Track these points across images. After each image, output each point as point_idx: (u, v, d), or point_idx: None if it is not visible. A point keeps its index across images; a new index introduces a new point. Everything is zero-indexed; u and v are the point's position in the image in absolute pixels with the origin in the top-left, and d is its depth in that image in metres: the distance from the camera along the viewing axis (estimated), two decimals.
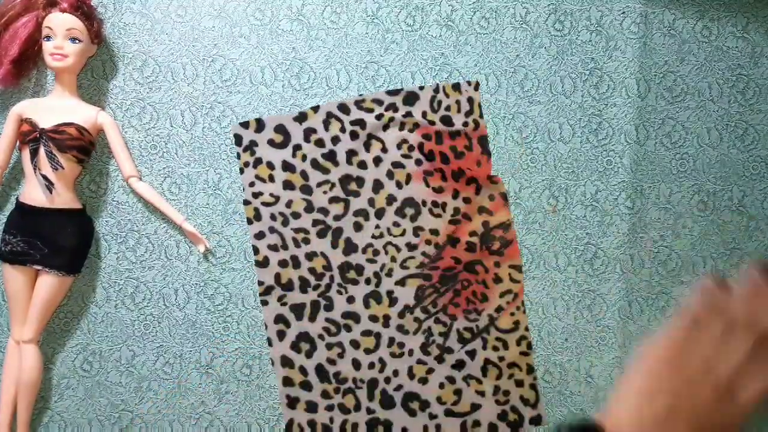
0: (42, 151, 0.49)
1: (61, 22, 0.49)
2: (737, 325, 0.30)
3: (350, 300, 0.51)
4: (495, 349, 0.52)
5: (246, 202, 0.51)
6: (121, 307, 0.53)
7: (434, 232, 0.51)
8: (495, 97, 0.55)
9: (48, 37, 0.49)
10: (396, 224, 0.51)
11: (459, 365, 0.52)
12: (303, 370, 0.51)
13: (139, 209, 0.53)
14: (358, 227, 0.51)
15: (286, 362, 0.49)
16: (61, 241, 0.50)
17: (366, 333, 0.51)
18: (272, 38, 0.54)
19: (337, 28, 0.55)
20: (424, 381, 0.51)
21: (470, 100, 0.52)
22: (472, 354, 0.52)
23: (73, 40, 0.50)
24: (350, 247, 0.51)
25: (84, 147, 0.50)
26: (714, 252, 0.55)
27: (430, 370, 0.51)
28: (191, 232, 0.52)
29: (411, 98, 0.52)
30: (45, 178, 0.49)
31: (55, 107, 0.51)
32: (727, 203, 0.55)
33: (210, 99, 0.54)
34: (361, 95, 0.51)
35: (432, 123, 0.52)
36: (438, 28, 0.55)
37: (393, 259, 0.52)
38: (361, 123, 0.52)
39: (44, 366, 0.51)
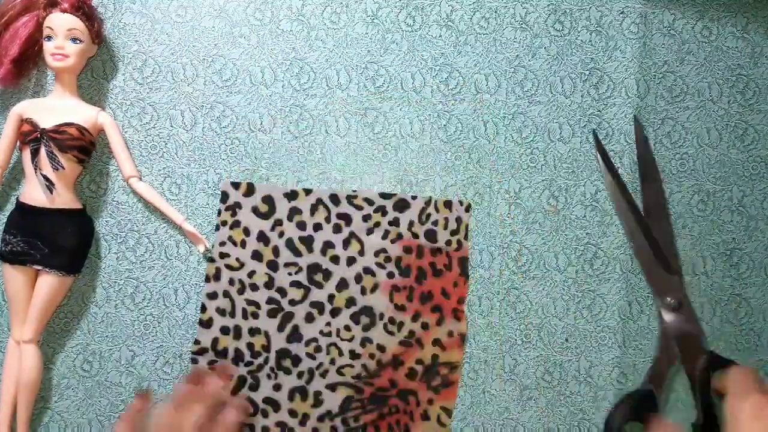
0: (43, 151, 0.49)
1: (61, 23, 0.49)
2: None
3: (277, 387, 0.50)
4: None
5: (210, 260, 0.50)
6: (121, 307, 0.53)
7: (381, 348, 0.50)
8: (495, 97, 0.55)
9: (49, 37, 0.49)
10: (347, 328, 0.51)
11: None
12: None
13: (139, 209, 0.53)
14: (309, 318, 0.50)
15: None
16: (61, 241, 0.50)
17: (280, 424, 0.50)
18: (272, 38, 0.54)
19: (337, 29, 0.55)
20: None
21: (458, 219, 0.52)
22: None
23: (74, 40, 0.50)
24: (295, 336, 0.50)
25: (84, 147, 0.50)
26: (714, 252, 0.55)
27: None
28: (191, 232, 0.52)
29: (402, 205, 0.51)
30: (45, 178, 0.49)
31: (55, 107, 0.51)
32: (727, 203, 0.55)
33: (210, 99, 0.54)
34: (354, 191, 0.51)
35: (416, 236, 0.51)
36: (438, 28, 0.55)
37: (332, 362, 0.50)
38: (347, 218, 0.51)
39: (44, 366, 0.51)
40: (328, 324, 0.51)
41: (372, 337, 0.51)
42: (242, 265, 0.51)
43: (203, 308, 0.51)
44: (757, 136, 0.56)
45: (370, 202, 0.52)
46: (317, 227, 0.52)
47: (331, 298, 0.51)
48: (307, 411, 0.50)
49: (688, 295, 0.53)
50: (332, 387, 0.50)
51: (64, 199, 0.50)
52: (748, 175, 0.56)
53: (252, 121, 0.54)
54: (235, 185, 0.52)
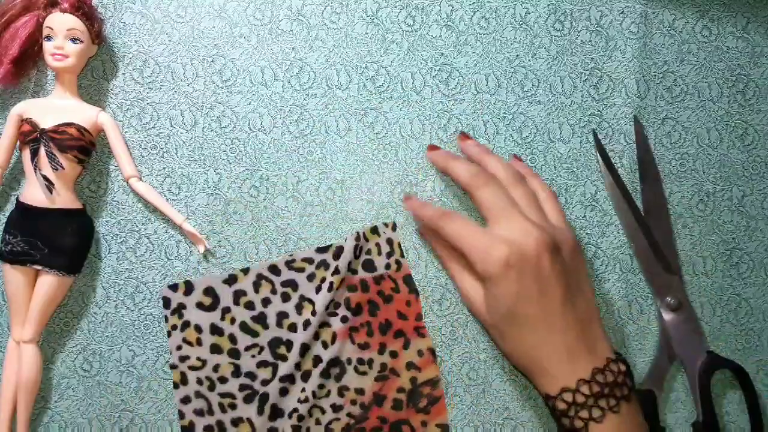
0: (42, 151, 0.49)
1: (61, 23, 0.49)
2: None
3: None
4: None
5: (173, 366, 0.50)
6: (121, 307, 0.53)
7: (359, 391, 0.50)
8: (495, 98, 0.55)
9: (48, 37, 0.49)
10: (321, 386, 0.50)
11: None
12: None
13: (139, 209, 0.53)
14: (284, 392, 0.50)
15: None
16: (61, 241, 0.50)
17: None
18: (272, 38, 0.54)
19: (337, 29, 0.55)
20: None
21: (389, 241, 0.51)
22: None
23: (74, 40, 0.50)
24: (276, 413, 0.50)
25: (84, 147, 0.50)
26: (714, 252, 0.55)
27: None
28: (191, 233, 0.52)
29: (338, 252, 0.51)
30: (45, 178, 0.49)
31: (55, 107, 0.51)
32: (727, 203, 0.55)
33: (210, 99, 0.54)
34: (290, 255, 0.50)
35: (355, 272, 0.51)
36: (438, 28, 0.55)
37: (318, 422, 0.50)
38: (292, 284, 0.51)
39: (44, 366, 0.51)
40: (303, 390, 0.50)
41: (347, 384, 0.51)
42: (204, 362, 0.51)
43: (181, 415, 0.50)
44: (757, 136, 0.56)
45: (309, 261, 0.51)
46: (266, 302, 0.51)
47: (298, 365, 0.50)
48: None
49: (688, 295, 0.53)
50: None
51: (64, 199, 0.50)
52: (748, 175, 0.56)
53: (252, 121, 0.54)
54: (173, 287, 0.52)
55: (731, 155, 0.56)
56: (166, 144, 0.54)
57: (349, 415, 0.50)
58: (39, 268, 0.50)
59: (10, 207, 0.52)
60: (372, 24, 0.55)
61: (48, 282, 0.50)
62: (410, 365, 0.51)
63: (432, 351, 0.51)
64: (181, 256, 0.53)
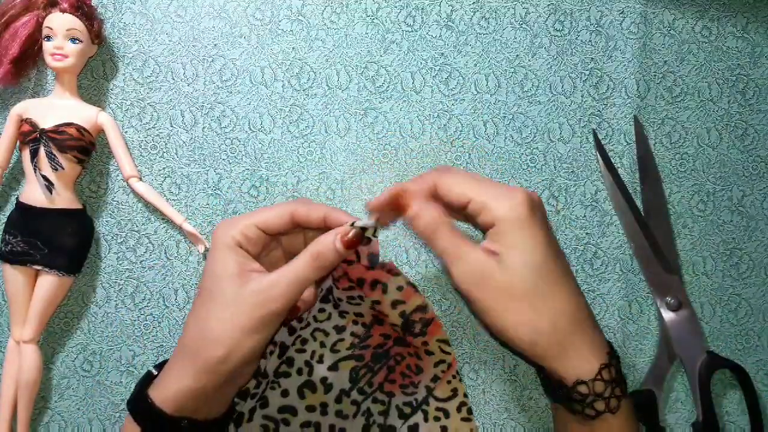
0: (42, 151, 0.49)
1: (61, 23, 0.49)
2: None
3: (284, 393, 0.49)
4: (436, 419, 0.50)
5: None
6: (122, 307, 0.53)
7: (359, 314, 0.50)
8: (495, 98, 0.55)
9: (48, 37, 0.49)
10: (321, 310, 0.50)
11: None
12: None
13: (139, 209, 0.53)
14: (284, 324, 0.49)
15: None
16: (61, 242, 0.50)
17: (305, 424, 0.49)
18: (272, 38, 0.54)
19: (337, 29, 0.55)
20: None
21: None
22: (414, 428, 0.50)
23: (74, 40, 0.50)
24: (281, 348, 0.49)
25: (84, 147, 0.50)
26: (714, 252, 0.55)
27: None
28: (191, 233, 0.52)
29: None
30: (45, 178, 0.49)
31: (55, 107, 0.51)
32: (727, 203, 0.55)
33: (210, 99, 0.54)
34: None
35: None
36: (438, 28, 0.55)
37: (322, 345, 0.50)
38: None
39: (44, 366, 0.51)
40: (302, 318, 0.50)
41: (345, 309, 0.50)
42: None
43: None
44: (757, 136, 0.56)
45: None
46: None
47: None
48: (323, 399, 0.49)
49: (688, 295, 0.53)
50: (334, 367, 0.50)
51: (63, 199, 0.50)
52: (748, 175, 0.56)
53: (252, 121, 0.54)
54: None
55: (731, 155, 0.56)
56: (166, 144, 0.54)
57: (352, 334, 0.50)
58: (39, 268, 0.50)
59: (10, 207, 0.52)
60: (372, 24, 0.55)
61: (48, 282, 0.50)
62: (396, 303, 0.48)
63: (410, 283, 0.48)
64: (181, 256, 0.53)
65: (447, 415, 0.50)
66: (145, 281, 0.53)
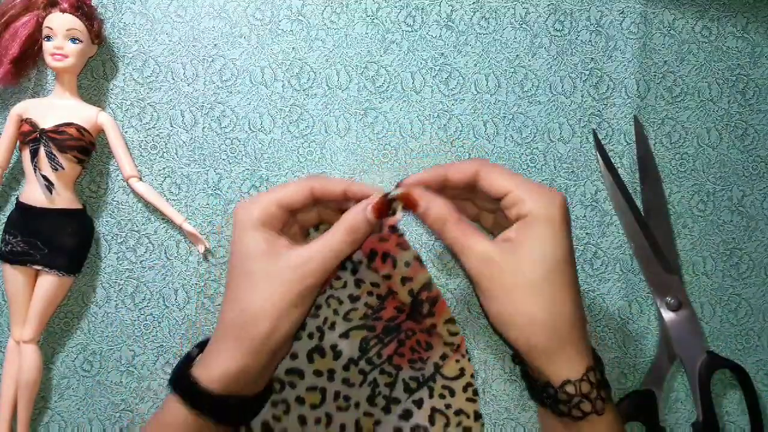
0: (42, 151, 0.49)
1: (61, 23, 0.49)
2: None
3: (293, 356, 0.49)
4: (441, 396, 0.50)
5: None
6: (122, 307, 0.53)
7: (375, 284, 0.50)
8: (495, 98, 0.55)
9: (48, 37, 0.49)
10: (337, 277, 0.50)
11: (406, 415, 0.50)
12: (248, 429, 0.49)
13: (139, 209, 0.53)
14: None
15: None
16: (61, 242, 0.50)
17: (311, 389, 0.49)
18: (272, 38, 0.54)
19: (337, 29, 0.55)
20: None
21: None
22: (419, 403, 0.50)
23: (74, 40, 0.50)
24: None
25: (84, 147, 0.50)
26: (714, 252, 0.55)
27: (377, 422, 0.50)
28: (191, 233, 0.52)
29: None
30: (45, 178, 0.49)
31: (55, 107, 0.51)
32: (727, 203, 0.55)
33: (210, 99, 0.54)
34: None
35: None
36: (438, 28, 0.55)
37: (335, 312, 0.50)
38: None
39: (44, 366, 0.51)
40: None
41: (362, 277, 0.50)
42: None
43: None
44: (757, 136, 0.56)
45: None
46: None
47: None
48: (331, 366, 0.50)
49: (688, 295, 0.53)
50: (345, 335, 0.50)
51: (63, 199, 0.50)
52: (748, 175, 0.56)
53: (252, 121, 0.54)
54: None
55: (731, 155, 0.56)
56: (166, 144, 0.54)
57: (366, 305, 0.50)
58: (39, 268, 0.50)
59: (10, 207, 0.52)
60: (372, 24, 0.55)
61: (48, 282, 0.50)
62: (404, 279, 0.50)
63: (417, 257, 0.50)
64: (181, 256, 0.53)
65: (452, 393, 0.51)
66: (145, 281, 0.53)
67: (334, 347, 0.50)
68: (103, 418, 0.52)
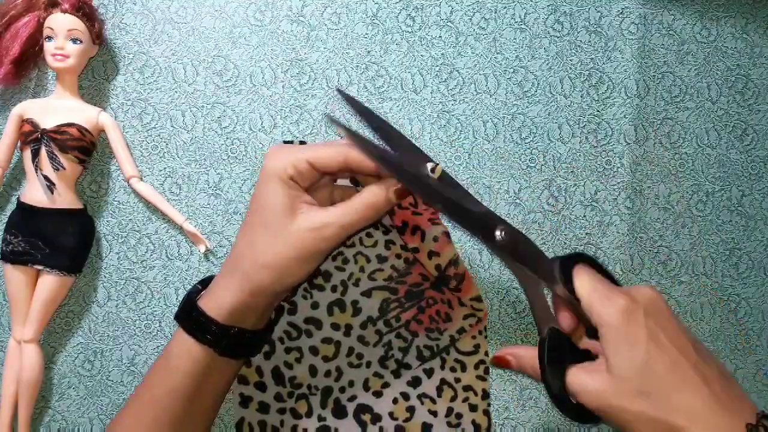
0: (43, 151, 0.49)
1: (62, 23, 0.49)
2: None
3: (314, 306, 0.50)
4: (453, 370, 0.51)
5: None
6: (122, 306, 0.53)
7: (404, 248, 0.50)
8: (494, 98, 0.55)
9: (49, 38, 0.49)
10: (369, 235, 0.50)
11: (415, 382, 0.51)
12: (259, 371, 0.50)
13: (140, 209, 0.54)
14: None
15: (244, 361, 0.48)
16: (62, 241, 0.50)
17: (326, 340, 0.50)
18: (273, 39, 0.54)
19: (338, 29, 0.55)
20: (378, 394, 0.50)
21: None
22: (429, 372, 0.51)
23: (75, 40, 0.50)
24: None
25: (85, 147, 0.50)
26: (714, 252, 0.55)
27: (386, 384, 0.50)
28: (192, 233, 0.52)
29: None
30: (46, 178, 0.49)
31: (56, 108, 0.51)
32: (726, 203, 0.55)
33: (211, 100, 0.54)
34: None
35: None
36: (438, 28, 0.55)
37: (362, 269, 0.50)
38: None
39: (45, 365, 0.51)
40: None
41: (393, 239, 0.51)
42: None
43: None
44: (756, 136, 0.56)
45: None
46: None
47: None
48: (349, 321, 0.50)
49: (687, 295, 0.53)
50: (367, 293, 0.51)
51: (65, 199, 0.50)
52: (748, 175, 0.56)
53: (252, 122, 0.54)
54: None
55: (731, 155, 0.56)
56: (166, 144, 0.54)
57: (392, 267, 0.51)
58: (40, 268, 0.50)
59: (10, 207, 0.52)
60: (372, 25, 0.55)
61: (49, 282, 0.50)
62: (431, 254, 0.51)
63: (446, 233, 0.51)
64: (181, 255, 0.53)
65: (464, 368, 0.51)
66: (146, 281, 0.53)
67: (354, 303, 0.51)
68: (103, 417, 0.52)
